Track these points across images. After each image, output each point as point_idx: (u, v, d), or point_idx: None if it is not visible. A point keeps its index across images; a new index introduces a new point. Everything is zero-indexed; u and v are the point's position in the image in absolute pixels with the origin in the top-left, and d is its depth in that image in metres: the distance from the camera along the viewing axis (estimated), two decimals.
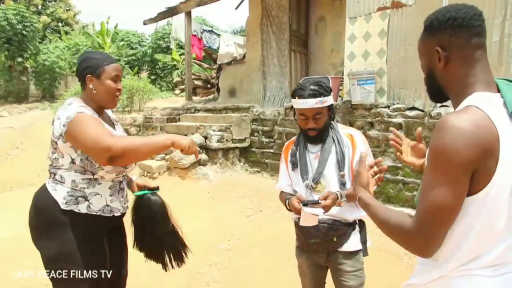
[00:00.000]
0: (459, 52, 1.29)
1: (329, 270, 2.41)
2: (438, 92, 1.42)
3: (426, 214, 1.21)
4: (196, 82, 14.42)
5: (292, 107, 2.46)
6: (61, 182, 2.06)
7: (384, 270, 3.85)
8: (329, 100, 2.24)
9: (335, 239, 2.23)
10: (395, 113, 5.74)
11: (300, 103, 2.22)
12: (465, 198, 1.20)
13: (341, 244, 2.26)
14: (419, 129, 1.87)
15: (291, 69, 8.75)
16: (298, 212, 2.16)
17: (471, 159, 1.15)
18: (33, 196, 2.13)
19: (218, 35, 11.99)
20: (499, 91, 1.27)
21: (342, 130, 2.36)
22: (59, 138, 2.01)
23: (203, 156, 7.31)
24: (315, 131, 2.25)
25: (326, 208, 2.05)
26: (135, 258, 2.52)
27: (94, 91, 2.12)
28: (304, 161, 2.31)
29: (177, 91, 15.07)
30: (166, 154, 7.35)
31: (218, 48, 11.82)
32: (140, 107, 12.68)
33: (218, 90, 11.26)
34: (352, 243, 2.28)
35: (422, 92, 5.62)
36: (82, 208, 2.05)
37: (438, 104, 5.45)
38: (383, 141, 5.82)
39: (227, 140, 7.60)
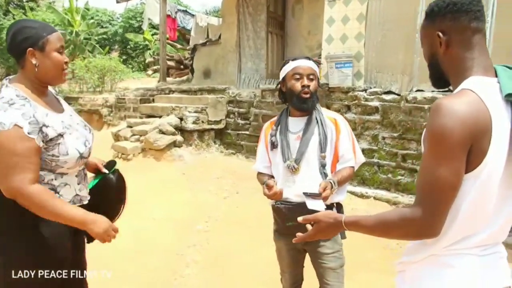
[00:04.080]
0: (459, 36, 1.32)
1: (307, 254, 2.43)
2: (440, 77, 1.44)
3: (431, 194, 1.22)
4: (169, 63, 14.14)
5: (277, 86, 2.44)
6: None
7: (361, 250, 3.92)
8: (317, 71, 2.31)
9: (312, 222, 2.24)
10: (372, 97, 5.80)
11: (295, 63, 2.29)
12: (463, 174, 1.22)
13: None
14: None
15: (268, 51, 8.69)
16: (269, 197, 2.21)
17: (465, 138, 1.18)
18: None
19: (193, 15, 11.77)
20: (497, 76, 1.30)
21: (326, 113, 2.37)
22: None
23: (179, 138, 7.22)
24: (309, 93, 2.24)
25: (325, 199, 2.07)
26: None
27: (37, 67, 1.80)
28: (285, 142, 2.30)
29: (149, 72, 14.79)
30: (141, 136, 7.22)
31: (192, 28, 11.60)
32: (112, 87, 12.38)
33: (192, 71, 11.10)
34: None
35: (399, 76, 5.69)
36: None
37: (414, 88, 5.53)
38: (359, 124, 5.88)
39: (202, 122, 7.53)
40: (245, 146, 7.64)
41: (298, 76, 2.25)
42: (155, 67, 14.47)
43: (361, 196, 5.63)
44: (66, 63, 1.89)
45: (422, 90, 5.43)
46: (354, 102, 5.96)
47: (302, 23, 8.79)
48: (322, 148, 2.24)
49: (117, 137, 7.80)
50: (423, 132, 1.33)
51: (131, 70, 18.27)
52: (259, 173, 2.45)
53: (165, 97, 8.73)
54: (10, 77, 1.87)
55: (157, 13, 10.16)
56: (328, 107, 6.19)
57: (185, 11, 11.69)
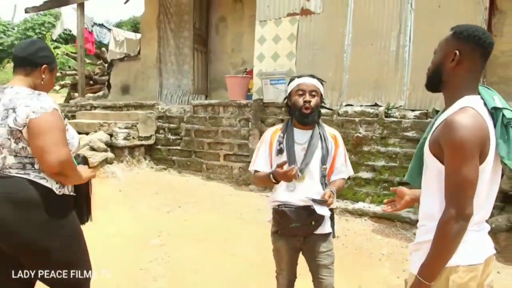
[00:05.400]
0: (469, 62, 1.68)
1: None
2: (436, 83, 1.79)
3: (461, 190, 1.55)
4: (78, 78, 13.58)
5: (284, 100, 2.67)
6: (38, 171, 2.02)
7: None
8: (321, 89, 2.56)
9: (313, 223, 2.49)
10: None
11: (300, 80, 2.54)
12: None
13: (317, 228, 2.52)
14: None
15: (194, 67, 8.85)
16: (287, 177, 2.33)
17: (478, 144, 1.56)
18: (7, 190, 1.95)
19: (109, 29, 11.48)
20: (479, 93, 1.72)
21: (327, 129, 2.65)
22: (23, 126, 1.96)
23: (110, 154, 7.05)
24: (310, 109, 2.46)
25: (330, 205, 2.38)
26: None
27: (42, 82, 2.16)
28: (292, 151, 2.52)
29: (56, 87, 14.02)
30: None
31: (109, 43, 11.31)
32: None
33: (109, 86, 10.81)
34: (326, 226, 2.56)
35: (329, 92, 6.21)
36: (67, 190, 2.13)
37: (344, 103, 6.09)
38: None
39: (133, 138, 7.44)
40: (177, 161, 7.69)
41: (301, 92, 2.49)
42: (62, 82, 13.77)
43: None
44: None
45: (351, 105, 6.00)
46: (288, 116, 6.34)
47: (226, 41, 9.10)
48: (324, 160, 2.52)
49: None
50: (426, 141, 1.72)
51: None
52: (256, 172, 2.61)
53: (89, 113, 8.44)
54: (6, 85, 2.13)
55: (73, 25, 9.76)
56: (263, 121, 6.55)
57: (101, 25, 11.37)
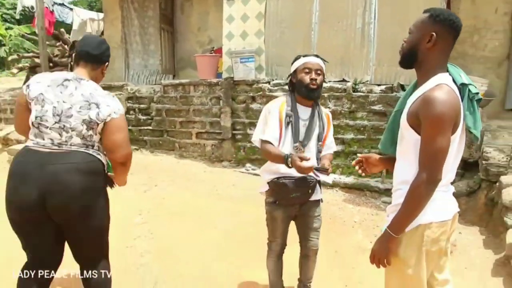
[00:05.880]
0: (443, 43, 1.88)
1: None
2: (410, 61, 1.98)
3: (435, 158, 1.77)
4: (37, 61, 13.14)
5: (288, 77, 2.81)
6: (99, 151, 2.44)
7: None
8: (324, 68, 2.73)
9: (309, 191, 2.71)
10: (276, 88, 6.42)
11: (305, 59, 2.70)
12: None
13: (311, 195, 2.75)
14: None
15: (161, 46, 8.81)
16: (304, 171, 2.48)
17: (453, 118, 1.78)
18: (78, 160, 2.32)
19: (71, 9, 11.15)
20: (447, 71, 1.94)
21: (323, 109, 2.85)
22: (102, 121, 2.34)
23: None
24: (316, 85, 2.64)
25: (330, 171, 2.59)
26: None
27: (103, 74, 2.56)
28: (297, 125, 2.69)
29: (14, 70, 13.51)
30: None
31: (72, 22, 11.00)
32: None
33: (72, 69, 10.55)
34: (318, 193, 2.81)
35: None
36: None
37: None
38: None
39: None
40: (149, 141, 7.72)
41: (307, 70, 2.65)
42: (20, 65, 13.30)
43: None
44: None
45: None
46: (259, 93, 6.52)
47: (192, 20, 9.06)
48: (320, 137, 2.74)
49: (6, 141, 7.24)
50: (404, 115, 1.91)
51: None
52: (267, 143, 2.68)
53: None
54: (73, 74, 2.42)
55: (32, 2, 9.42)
56: (234, 99, 6.68)
57: (62, 4, 11.00)
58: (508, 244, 3.53)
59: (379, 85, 5.86)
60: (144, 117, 7.74)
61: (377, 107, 5.75)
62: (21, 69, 13.35)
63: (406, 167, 1.94)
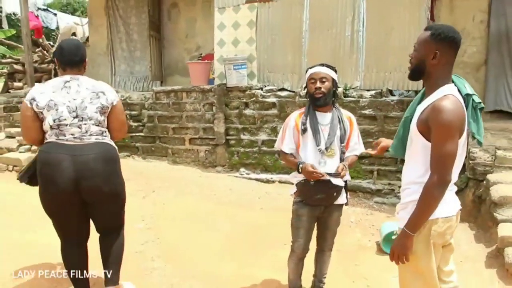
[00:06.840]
0: (446, 57, 2.10)
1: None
2: (418, 75, 2.20)
3: (444, 161, 1.99)
4: (16, 67, 12.97)
5: (304, 88, 3.04)
6: (108, 136, 2.90)
7: None
8: (333, 74, 2.93)
9: (335, 194, 2.91)
10: (269, 94, 6.62)
11: (311, 70, 2.94)
12: None
13: (337, 198, 2.94)
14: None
15: (151, 53, 8.90)
16: (312, 178, 2.78)
17: (460, 126, 2.01)
18: (101, 151, 2.77)
19: (55, 14, 11.09)
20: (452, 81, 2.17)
21: (344, 112, 3.04)
22: (111, 105, 2.85)
23: None
24: (321, 93, 2.84)
25: (342, 177, 2.82)
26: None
27: (82, 73, 2.91)
28: (317, 130, 2.89)
29: None
30: (32, 146, 6.84)
31: (57, 27, 10.95)
32: None
33: (56, 75, 10.51)
34: (343, 197, 3.00)
35: (289, 75, 6.62)
36: None
37: (304, 85, 6.48)
38: (258, 118, 6.66)
39: None
40: (141, 147, 7.80)
41: (313, 81, 2.89)
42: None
43: (267, 181, 6.44)
44: None
45: None
46: (252, 99, 6.70)
47: (179, 27, 9.18)
48: (342, 139, 2.93)
49: None
50: (414, 122, 2.13)
51: None
52: (284, 152, 3.01)
53: None
54: (68, 76, 2.80)
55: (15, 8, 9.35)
56: (227, 105, 6.85)
57: (46, 10, 10.94)
58: (500, 237, 3.82)
59: (368, 90, 6.12)
60: (136, 124, 7.81)
61: (367, 112, 6.01)
62: (0, 75, 13.16)
63: (414, 169, 2.18)
